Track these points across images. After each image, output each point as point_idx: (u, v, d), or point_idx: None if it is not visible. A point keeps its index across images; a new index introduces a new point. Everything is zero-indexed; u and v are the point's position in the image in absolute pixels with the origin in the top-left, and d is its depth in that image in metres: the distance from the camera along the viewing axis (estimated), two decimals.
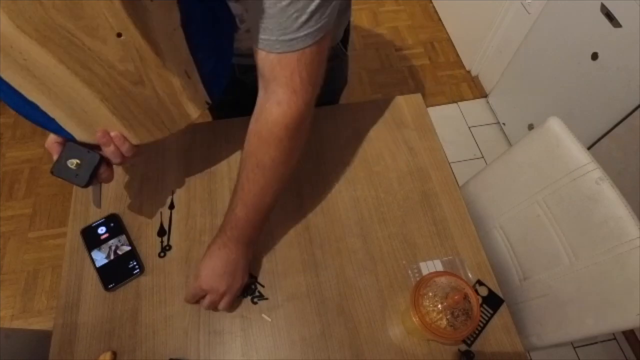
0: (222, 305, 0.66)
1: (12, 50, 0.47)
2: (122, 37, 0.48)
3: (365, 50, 2.18)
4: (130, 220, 0.77)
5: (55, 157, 0.58)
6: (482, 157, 1.85)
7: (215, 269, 0.65)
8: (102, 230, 0.75)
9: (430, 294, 0.60)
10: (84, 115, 0.55)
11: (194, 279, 0.66)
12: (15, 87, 0.50)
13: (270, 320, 0.69)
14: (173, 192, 0.81)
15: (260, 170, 0.60)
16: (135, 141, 0.60)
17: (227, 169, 0.84)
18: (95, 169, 0.59)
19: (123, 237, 0.75)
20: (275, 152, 0.59)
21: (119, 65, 0.51)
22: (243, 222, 0.63)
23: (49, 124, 0.55)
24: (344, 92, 1.02)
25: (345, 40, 0.84)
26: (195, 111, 0.61)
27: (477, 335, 0.69)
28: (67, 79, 0.51)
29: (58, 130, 0.56)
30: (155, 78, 0.54)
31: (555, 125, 0.78)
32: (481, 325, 0.70)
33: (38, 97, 0.52)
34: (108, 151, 0.58)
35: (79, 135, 0.57)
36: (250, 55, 0.57)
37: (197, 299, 0.67)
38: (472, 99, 2.01)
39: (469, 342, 0.68)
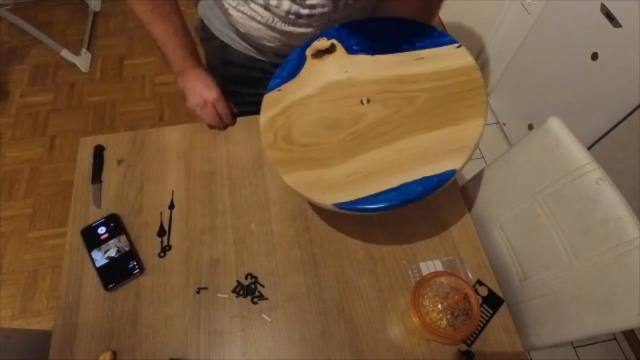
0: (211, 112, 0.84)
1: None
2: None
3: None
4: (130, 220, 0.77)
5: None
6: (482, 157, 1.84)
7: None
8: (102, 230, 0.75)
9: (430, 294, 0.60)
10: None
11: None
12: None
13: (270, 320, 0.69)
14: (173, 192, 0.81)
15: None
16: None
17: (227, 169, 0.84)
18: None
19: (123, 237, 0.75)
20: None
21: None
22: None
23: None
24: None
25: None
26: None
27: (477, 335, 0.69)
28: None
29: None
30: None
31: (555, 125, 0.78)
32: (481, 325, 0.70)
33: None
34: None
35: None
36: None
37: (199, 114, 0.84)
38: None
39: (469, 342, 0.68)
